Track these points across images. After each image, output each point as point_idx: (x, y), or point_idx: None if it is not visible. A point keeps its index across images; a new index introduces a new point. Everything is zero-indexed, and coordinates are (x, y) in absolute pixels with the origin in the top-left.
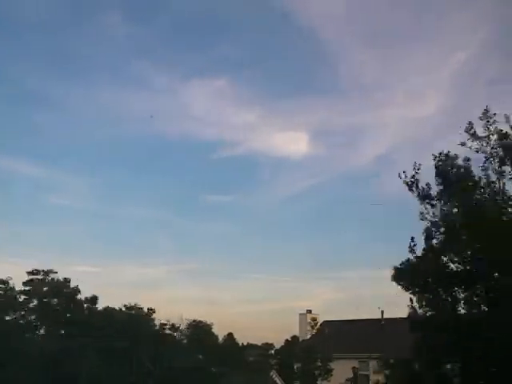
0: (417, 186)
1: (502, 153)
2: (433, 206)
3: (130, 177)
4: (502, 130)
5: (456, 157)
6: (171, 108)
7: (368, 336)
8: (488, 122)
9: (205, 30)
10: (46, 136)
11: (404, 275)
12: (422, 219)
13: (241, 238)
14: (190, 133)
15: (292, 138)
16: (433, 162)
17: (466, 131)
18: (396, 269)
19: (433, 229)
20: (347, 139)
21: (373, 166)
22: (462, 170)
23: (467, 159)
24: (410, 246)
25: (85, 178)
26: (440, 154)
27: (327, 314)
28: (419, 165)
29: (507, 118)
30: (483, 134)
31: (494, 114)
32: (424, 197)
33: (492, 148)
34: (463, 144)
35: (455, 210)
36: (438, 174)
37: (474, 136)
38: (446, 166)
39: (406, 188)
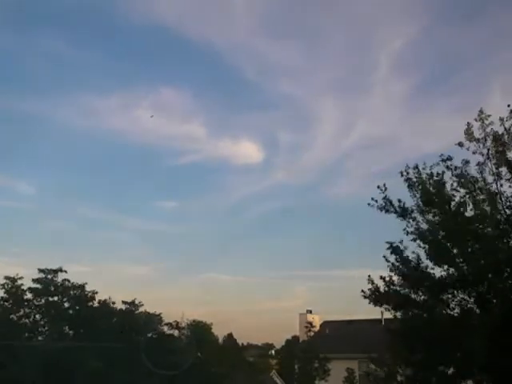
0: (392, 206)
1: (498, 154)
2: (414, 219)
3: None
4: (497, 132)
5: (431, 170)
6: (124, 121)
7: (368, 336)
8: (483, 123)
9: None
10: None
11: (383, 298)
12: (406, 234)
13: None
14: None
15: (243, 146)
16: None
17: (465, 133)
18: (372, 292)
19: (418, 242)
20: (297, 146)
21: (323, 172)
22: (437, 182)
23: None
24: (392, 267)
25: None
26: (414, 166)
27: (328, 313)
28: (384, 186)
29: (502, 120)
30: (480, 136)
31: (489, 115)
32: (402, 214)
33: (488, 150)
34: (461, 145)
35: (437, 218)
36: (411, 187)
37: (472, 137)
38: (420, 180)
39: (383, 211)
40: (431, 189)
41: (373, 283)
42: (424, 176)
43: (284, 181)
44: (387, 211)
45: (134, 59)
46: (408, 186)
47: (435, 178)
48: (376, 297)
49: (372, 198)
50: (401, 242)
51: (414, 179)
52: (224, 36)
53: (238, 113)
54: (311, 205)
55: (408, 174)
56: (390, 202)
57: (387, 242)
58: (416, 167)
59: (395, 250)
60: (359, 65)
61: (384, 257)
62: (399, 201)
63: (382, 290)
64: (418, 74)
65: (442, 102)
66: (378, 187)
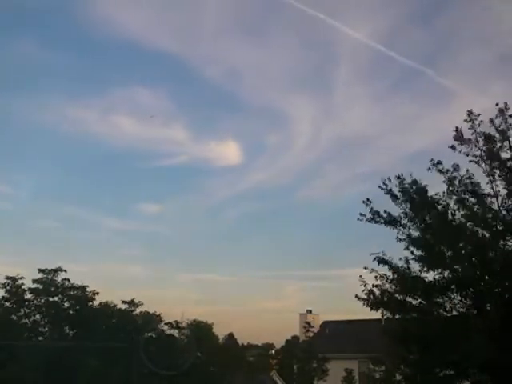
0: (380, 216)
1: (491, 155)
2: (404, 226)
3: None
4: (488, 133)
5: (413, 179)
6: (104, 125)
7: (368, 336)
8: (473, 124)
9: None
10: None
11: (380, 303)
12: (398, 241)
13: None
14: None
15: (224, 149)
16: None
17: (455, 138)
18: (367, 296)
19: (410, 248)
20: (277, 149)
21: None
22: (420, 188)
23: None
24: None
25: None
26: (395, 176)
27: (328, 313)
28: (368, 200)
29: (492, 121)
30: (471, 138)
31: (479, 114)
32: (391, 223)
33: (481, 151)
34: (453, 147)
35: (426, 223)
36: (394, 198)
37: (462, 140)
38: (403, 189)
39: (373, 222)
40: (415, 196)
41: (365, 285)
42: (406, 185)
43: (271, 180)
44: (376, 222)
45: (111, 64)
46: (391, 197)
47: (417, 185)
48: (372, 303)
49: (360, 214)
50: (382, 252)
51: (395, 189)
52: (193, 41)
53: (218, 116)
54: (305, 204)
55: (387, 186)
56: (378, 213)
57: (372, 254)
58: (398, 177)
59: (382, 260)
60: (330, 64)
61: (369, 267)
62: (385, 211)
63: (376, 294)
64: (395, 71)
65: (421, 98)
66: (363, 202)
